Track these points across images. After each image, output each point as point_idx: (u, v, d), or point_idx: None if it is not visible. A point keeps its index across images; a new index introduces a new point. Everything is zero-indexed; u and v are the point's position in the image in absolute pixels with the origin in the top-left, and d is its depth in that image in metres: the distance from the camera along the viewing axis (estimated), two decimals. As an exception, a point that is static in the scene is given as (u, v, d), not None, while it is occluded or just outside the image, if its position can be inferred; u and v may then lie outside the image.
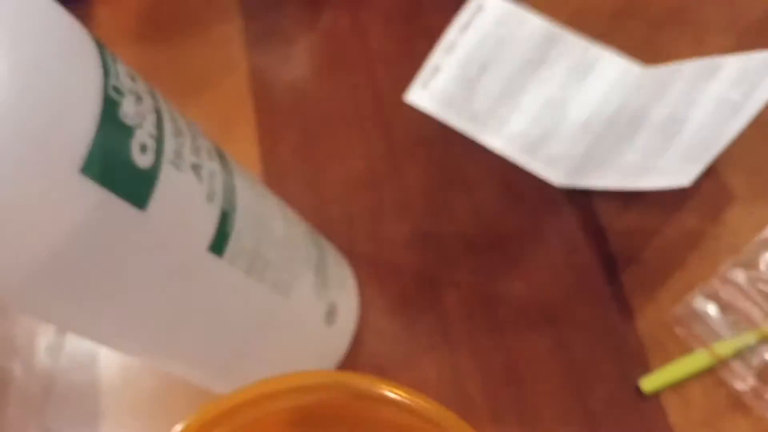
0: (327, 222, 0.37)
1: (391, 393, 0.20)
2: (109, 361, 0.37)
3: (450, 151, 0.38)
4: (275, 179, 0.40)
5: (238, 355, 0.28)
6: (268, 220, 0.27)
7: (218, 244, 0.23)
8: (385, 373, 0.33)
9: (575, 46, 0.38)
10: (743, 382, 0.29)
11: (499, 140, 0.37)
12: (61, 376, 0.37)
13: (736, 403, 0.29)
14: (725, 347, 0.29)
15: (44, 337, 0.39)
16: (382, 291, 0.35)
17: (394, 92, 0.40)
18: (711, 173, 0.33)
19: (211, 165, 0.23)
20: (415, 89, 0.40)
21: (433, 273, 0.35)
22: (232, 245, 0.24)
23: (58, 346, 0.38)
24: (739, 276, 0.30)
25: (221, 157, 0.25)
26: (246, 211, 0.25)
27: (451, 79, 0.39)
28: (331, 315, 0.31)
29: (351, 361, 0.34)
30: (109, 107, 0.19)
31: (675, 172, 0.30)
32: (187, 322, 0.24)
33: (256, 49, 0.44)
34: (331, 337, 0.32)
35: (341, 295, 0.32)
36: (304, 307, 0.29)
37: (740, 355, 0.29)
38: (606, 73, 0.37)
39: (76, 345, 0.38)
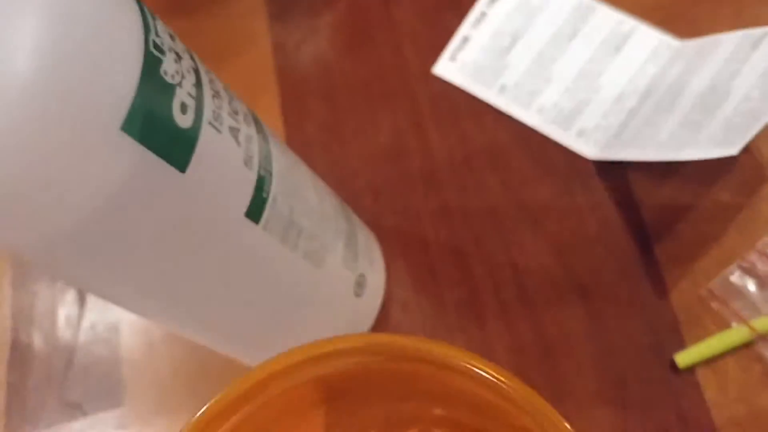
0: (352, 195, 0.37)
1: (428, 351, 0.19)
2: (130, 332, 0.37)
3: (479, 123, 0.37)
4: (299, 153, 0.39)
5: (268, 324, 0.28)
6: (302, 188, 0.26)
7: (255, 210, 0.23)
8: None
9: (609, 18, 0.37)
10: (780, 358, 0.29)
11: (529, 112, 0.36)
12: (82, 347, 0.37)
13: (773, 379, 0.29)
14: (764, 323, 0.29)
15: (64, 308, 0.39)
16: (408, 264, 0.35)
17: (421, 64, 0.39)
18: (746, 147, 0.33)
19: (248, 129, 0.23)
20: (443, 61, 0.39)
21: (461, 246, 0.35)
22: (268, 212, 0.23)
23: (78, 317, 0.38)
24: (779, 251, 0.30)
25: (257, 122, 0.24)
26: (281, 178, 0.24)
27: (481, 51, 0.38)
28: (360, 287, 0.31)
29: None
30: (151, 64, 0.18)
31: (719, 143, 0.29)
32: (220, 290, 0.24)
33: (279, 22, 0.43)
34: (359, 309, 0.32)
35: (369, 268, 0.32)
36: (335, 277, 0.29)
37: (779, 330, 0.29)
38: (641, 45, 0.36)
39: (97, 316, 0.38)
